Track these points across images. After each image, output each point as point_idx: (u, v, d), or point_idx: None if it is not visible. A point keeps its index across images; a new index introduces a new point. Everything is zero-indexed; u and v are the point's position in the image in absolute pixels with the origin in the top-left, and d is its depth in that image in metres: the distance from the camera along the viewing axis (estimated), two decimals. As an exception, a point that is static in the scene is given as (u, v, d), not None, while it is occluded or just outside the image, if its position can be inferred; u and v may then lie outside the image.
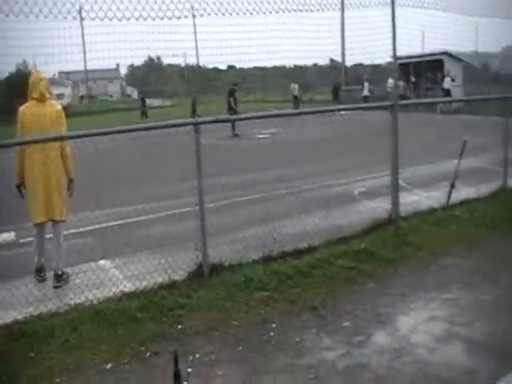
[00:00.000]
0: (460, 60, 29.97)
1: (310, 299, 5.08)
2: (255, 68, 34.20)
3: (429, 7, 9.94)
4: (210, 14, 6.98)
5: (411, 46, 13.61)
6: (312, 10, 8.31)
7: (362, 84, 28.69)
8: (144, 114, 35.18)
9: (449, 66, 29.23)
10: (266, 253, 6.09)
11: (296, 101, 30.47)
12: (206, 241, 5.72)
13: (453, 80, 27.25)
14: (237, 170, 11.33)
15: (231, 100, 21.73)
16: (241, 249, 6.25)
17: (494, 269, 5.75)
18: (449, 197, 8.11)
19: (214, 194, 8.17)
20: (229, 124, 19.30)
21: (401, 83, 29.63)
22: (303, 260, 5.91)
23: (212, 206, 7.56)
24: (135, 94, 62.23)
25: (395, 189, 7.19)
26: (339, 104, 27.55)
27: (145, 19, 5.48)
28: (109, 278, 5.78)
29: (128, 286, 5.48)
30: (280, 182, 9.80)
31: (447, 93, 26.43)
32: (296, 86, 31.01)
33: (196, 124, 5.64)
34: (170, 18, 6.11)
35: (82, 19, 5.19)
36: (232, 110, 21.05)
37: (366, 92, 28.54)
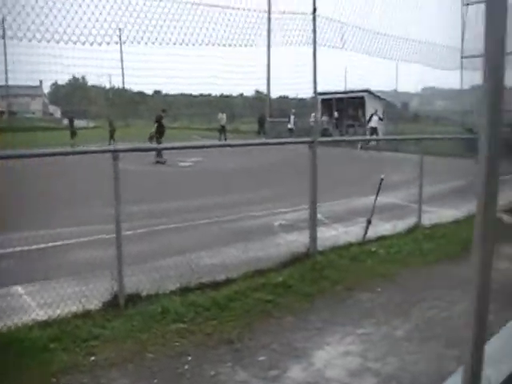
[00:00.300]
0: (381, 98, 31.30)
1: (227, 332, 5.10)
2: (182, 95, 34.28)
3: (349, 49, 10.46)
4: (139, 43, 7.08)
5: (335, 82, 14.17)
6: (240, 45, 8.57)
7: (289, 117, 29.34)
8: (74, 133, 34.38)
9: (370, 103, 30.48)
10: (184, 283, 6.08)
11: (223, 130, 30.65)
12: (123, 270, 5.66)
13: (381, 119, 28.42)
14: (157, 198, 11.25)
15: (157, 127, 21.66)
16: (158, 279, 6.19)
17: (407, 304, 6.01)
18: (365, 232, 8.42)
19: (134, 222, 8.08)
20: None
21: (325, 118, 30.58)
22: (221, 292, 5.94)
23: (131, 233, 7.48)
24: (58, 113, 60.71)
25: (313, 223, 7.39)
26: (264, 135, 28.05)
27: (74, 43, 5.48)
28: (20, 306, 5.59)
29: (40, 315, 5.31)
30: (200, 211, 9.82)
31: (374, 130, 27.52)
32: (224, 116, 31.19)
33: (114, 152, 5.63)
34: (100, 44, 6.15)
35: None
36: (156, 138, 20.99)
37: (291, 125, 29.21)
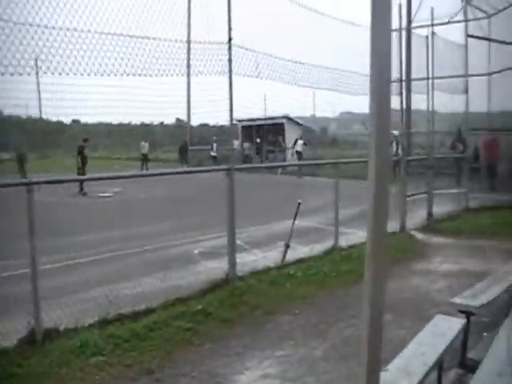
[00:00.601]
0: (299, 124, 32.06)
1: (147, 362, 5.11)
2: (100, 124, 33.68)
3: (264, 77, 10.79)
4: (53, 74, 7.06)
5: (254, 109, 14.45)
6: (162, 75, 8.69)
7: (212, 144, 29.49)
8: None
9: (289, 129, 31.17)
10: (103, 316, 6.03)
11: (145, 159, 30.33)
12: (40, 304, 5.56)
13: (305, 144, 29.11)
14: (76, 230, 11.06)
15: (80, 158, 21.19)
16: (77, 312, 6.11)
17: (324, 324, 6.21)
18: (284, 256, 8.62)
19: (52, 255, 7.94)
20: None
21: (246, 145, 30.96)
22: (140, 322, 5.94)
23: (49, 266, 7.35)
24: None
25: (232, 249, 7.52)
26: (186, 163, 28.04)
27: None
28: None
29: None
30: (120, 242, 9.73)
31: (299, 154, 28.18)
32: (146, 145, 30.90)
33: (29, 184, 5.56)
34: (12, 75, 6.10)
35: None
36: (78, 169, 20.58)
37: (214, 152, 29.38)
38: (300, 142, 28.94)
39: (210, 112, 14.28)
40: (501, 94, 21.12)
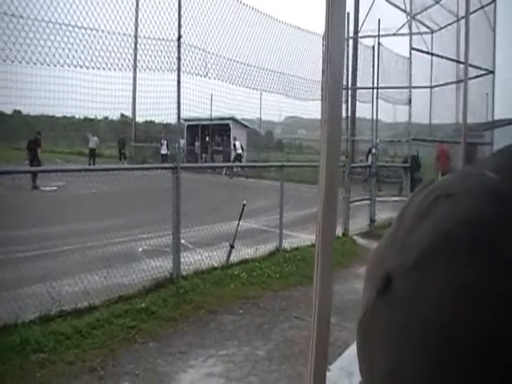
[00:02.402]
0: (245, 126, 32.18)
1: (90, 360, 5.06)
2: (43, 115, 32.63)
3: (213, 77, 10.82)
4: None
5: (201, 108, 14.40)
6: (104, 68, 8.57)
7: (161, 142, 29.11)
8: None
9: (235, 130, 31.25)
10: (45, 312, 5.93)
11: (93, 154, 29.41)
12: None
13: (242, 148, 29.24)
14: (15, 224, 10.75)
15: (37, 150, 20.58)
16: (17, 308, 5.97)
17: (268, 324, 6.29)
18: (228, 257, 8.68)
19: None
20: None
21: (197, 144, 30.82)
22: (83, 320, 5.87)
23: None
24: None
25: (177, 248, 7.51)
26: (125, 160, 27.63)
27: None
28: None
29: None
30: (63, 238, 9.55)
31: (239, 156, 28.27)
32: (95, 139, 29.98)
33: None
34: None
35: None
36: (33, 161, 20.04)
37: (164, 150, 29.00)
38: (237, 143, 29.06)
39: (156, 109, 14.15)
40: (440, 107, 22.02)
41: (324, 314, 1.85)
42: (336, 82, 1.84)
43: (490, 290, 0.37)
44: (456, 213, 0.41)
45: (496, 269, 0.37)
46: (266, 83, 13.67)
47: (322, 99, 1.89)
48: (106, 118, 32.13)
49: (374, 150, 23.23)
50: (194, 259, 8.50)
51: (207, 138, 30.31)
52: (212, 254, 8.86)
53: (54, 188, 18.39)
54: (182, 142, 25.92)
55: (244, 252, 9.18)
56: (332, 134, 1.78)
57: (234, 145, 29.20)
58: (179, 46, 7.76)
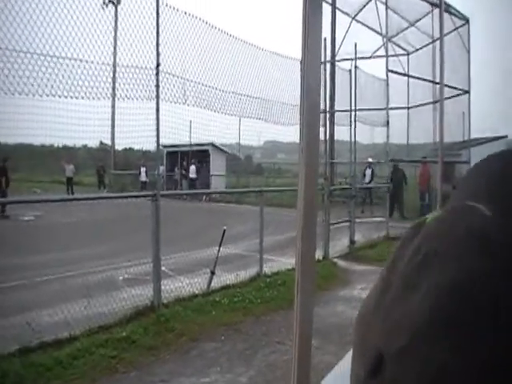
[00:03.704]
0: (224, 151, 32.28)
1: (70, 391, 5.01)
2: (21, 144, 32.39)
3: (191, 104, 10.91)
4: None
5: (180, 135, 14.47)
6: (83, 97, 8.62)
7: (139, 169, 29.07)
8: None
9: (214, 156, 31.32)
10: (24, 344, 5.86)
11: (70, 183, 29.13)
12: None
13: (198, 170, 29.37)
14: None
15: (1, 179, 20.34)
16: (-5, 341, 5.91)
17: (250, 350, 6.29)
18: (209, 283, 8.68)
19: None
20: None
21: (177, 170, 30.80)
22: (64, 350, 5.82)
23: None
24: None
25: (157, 276, 7.50)
26: (105, 188, 27.50)
27: None
28: None
29: None
30: (41, 268, 9.46)
31: (192, 181, 28.49)
32: (71, 167, 29.73)
33: None
34: None
35: None
36: (2, 191, 19.78)
37: (144, 178, 28.96)
38: (192, 167, 29.19)
39: (135, 137, 14.20)
40: (418, 127, 22.39)
41: (305, 338, 1.86)
42: (313, 107, 1.88)
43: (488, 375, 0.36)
44: (444, 280, 0.39)
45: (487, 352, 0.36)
46: (244, 109, 13.81)
47: (299, 124, 1.92)
48: (85, 146, 31.99)
49: (368, 171, 23.56)
50: (175, 286, 8.48)
51: (186, 164, 30.29)
52: (193, 281, 8.84)
53: (32, 218, 18.24)
54: (162, 168, 25.90)
55: (225, 278, 9.18)
56: (310, 158, 1.81)
57: (186, 170, 29.31)
58: (157, 74, 7.82)
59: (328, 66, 16.96)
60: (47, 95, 8.36)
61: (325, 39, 15.39)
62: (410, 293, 0.41)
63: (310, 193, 1.82)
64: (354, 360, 0.46)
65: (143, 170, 28.81)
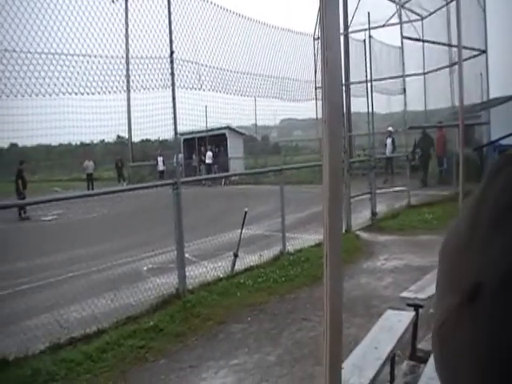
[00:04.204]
0: (241, 134, 32.23)
1: (102, 384, 5.10)
2: (40, 146, 32.74)
3: (207, 89, 10.89)
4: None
5: (196, 121, 14.49)
6: (99, 93, 8.65)
7: (157, 159, 29.20)
8: None
9: (231, 139, 31.30)
10: (54, 341, 5.97)
11: (91, 179, 29.38)
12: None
13: (214, 156, 29.44)
14: (21, 256, 10.81)
15: (19, 182, 20.62)
16: (26, 340, 6.03)
17: (276, 329, 6.33)
18: (233, 266, 8.72)
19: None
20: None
21: (195, 157, 30.88)
22: (92, 344, 5.91)
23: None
24: None
25: (181, 263, 7.55)
26: (124, 181, 27.66)
27: None
28: None
29: None
30: (67, 265, 9.59)
31: (209, 166, 28.61)
32: (91, 164, 29.92)
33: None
34: None
35: None
36: (20, 193, 20.03)
37: (161, 167, 29.08)
38: (209, 153, 29.27)
39: (152, 127, 14.22)
40: (435, 92, 22.06)
41: (336, 310, 1.85)
42: (335, 81, 1.84)
43: None
44: None
45: None
46: (259, 89, 13.79)
47: (321, 99, 1.88)
48: (103, 141, 32.19)
49: (389, 140, 23.41)
50: (199, 272, 8.54)
51: (204, 150, 30.33)
52: (217, 265, 8.91)
53: (54, 217, 18.47)
54: (180, 156, 25.94)
55: (248, 259, 9.21)
56: (333, 133, 1.78)
57: (204, 155, 29.47)
58: (172, 62, 7.76)
59: (341, 38, 16.76)
60: (63, 94, 8.43)
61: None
62: (498, 232, 0.43)
63: (336, 166, 1.79)
64: (443, 290, 0.50)
65: (160, 159, 28.88)
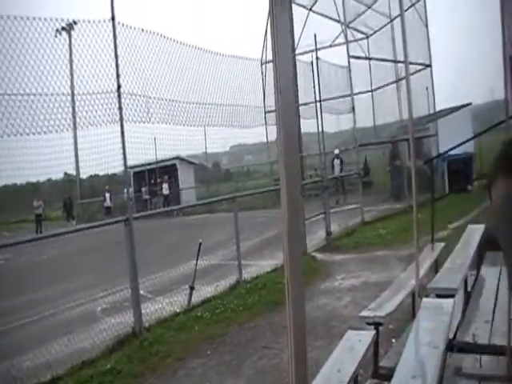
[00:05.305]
0: (192, 163, 32.27)
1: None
2: (-16, 189, 31.89)
3: (156, 121, 10.90)
4: None
5: (146, 154, 14.43)
6: (45, 132, 8.54)
7: (104, 195, 28.89)
8: None
9: (182, 169, 31.28)
10: (7, 394, 5.79)
11: (40, 220, 28.77)
12: None
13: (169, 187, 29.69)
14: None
15: None
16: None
17: (237, 360, 6.28)
18: (190, 299, 8.64)
19: None
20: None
21: (143, 190, 30.69)
22: (47, 394, 5.75)
23: None
24: None
25: (136, 301, 7.45)
26: (73, 220, 27.23)
27: None
28: None
29: None
30: (18, 311, 9.32)
31: (167, 198, 28.77)
32: (41, 203, 29.38)
33: None
34: None
35: None
36: None
37: (108, 203, 28.79)
38: (165, 185, 29.47)
39: (101, 163, 14.07)
40: (383, 108, 22.69)
41: (300, 335, 1.84)
42: (288, 105, 1.85)
43: None
44: None
45: None
46: (209, 118, 13.90)
47: (272, 123, 1.88)
48: (49, 180, 31.62)
49: (336, 161, 23.69)
50: (155, 308, 8.44)
51: (154, 183, 30.26)
52: (173, 300, 8.80)
53: (1, 262, 17.98)
54: (130, 190, 25.74)
55: (205, 291, 9.15)
56: (289, 155, 1.78)
57: (156, 186, 29.63)
58: (119, 97, 7.73)
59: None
60: (8, 135, 8.29)
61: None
62: None
63: (294, 190, 1.80)
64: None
65: (107, 195, 28.66)
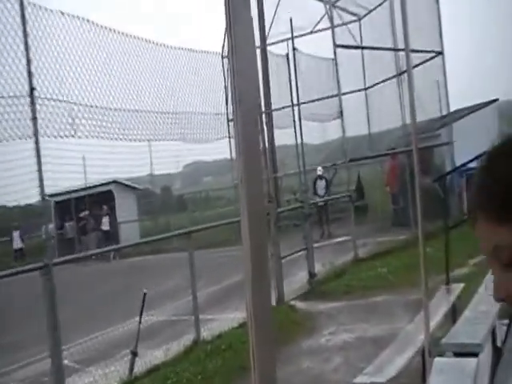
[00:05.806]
0: (133, 188, 31.96)
1: None
2: None
3: (84, 135, 10.78)
4: None
5: (70, 178, 14.28)
6: None
7: (11, 234, 28.52)
8: None
9: (120, 196, 30.92)
10: None
11: None
12: None
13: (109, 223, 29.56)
14: None
15: None
16: None
17: None
18: (131, 368, 8.51)
19: None
20: None
21: (67, 225, 30.34)
22: None
23: None
24: None
25: (58, 374, 7.27)
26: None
27: None
28: None
29: None
30: None
31: (107, 234, 28.52)
32: None
33: None
34: None
35: None
36: None
37: (18, 244, 28.41)
38: (105, 219, 29.39)
39: (8, 192, 13.78)
40: (381, 111, 22.05)
41: None
42: (250, 116, 1.82)
43: None
44: None
45: None
46: (155, 129, 13.66)
47: (234, 139, 1.86)
48: None
49: (320, 182, 23.58)
50: (85, 383, 8.32)
51: (83, 214, 29.93)
52: (109, 371, 8.68)
53: None
54: (50, 226, 25.40)
55: (152, 356, 9.04)
56: (252, 176, 1.75)
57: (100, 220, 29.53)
58: (33, 103, 7.46)
59: (258, 53, 16.89)
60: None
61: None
62: None
63: (256, 220, 1.78)
64: None
65: (16, 234, 28.23)
